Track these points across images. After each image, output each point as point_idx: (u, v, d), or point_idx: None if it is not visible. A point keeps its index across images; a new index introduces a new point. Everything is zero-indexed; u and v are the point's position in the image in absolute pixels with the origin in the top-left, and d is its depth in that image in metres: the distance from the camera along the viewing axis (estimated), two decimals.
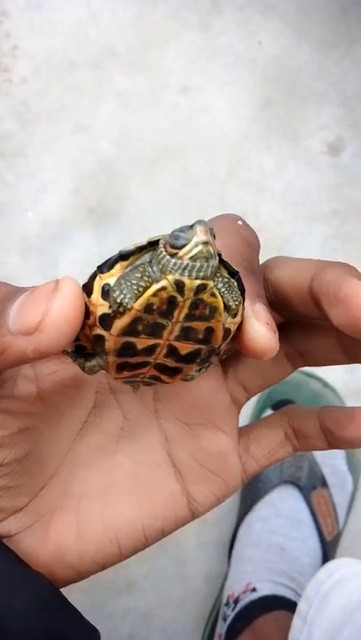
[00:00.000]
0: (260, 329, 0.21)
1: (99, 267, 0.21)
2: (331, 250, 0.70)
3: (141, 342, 0.21)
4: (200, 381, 0.26)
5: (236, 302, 0.21)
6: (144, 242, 0.20)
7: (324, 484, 0.62)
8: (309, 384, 0.66)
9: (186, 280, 0.19)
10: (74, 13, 0.77)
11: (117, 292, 0.20)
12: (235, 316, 0.21)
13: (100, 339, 0.21)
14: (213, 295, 0.20)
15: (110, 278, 0.20)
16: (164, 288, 0.19)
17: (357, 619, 0.43)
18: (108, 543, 0.26)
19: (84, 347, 0.23)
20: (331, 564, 0.49)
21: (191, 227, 0.19)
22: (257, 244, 0.25)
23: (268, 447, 0.27)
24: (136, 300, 0.20)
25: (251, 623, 0.53)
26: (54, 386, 0.25)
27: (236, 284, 0.21)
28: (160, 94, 0.75)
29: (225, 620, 0.56)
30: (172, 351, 0.22)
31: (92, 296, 0.21)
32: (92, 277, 0.21)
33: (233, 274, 0.21)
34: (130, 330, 0.20)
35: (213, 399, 0.26)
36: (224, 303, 0.21)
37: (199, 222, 0.19)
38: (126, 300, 0.20)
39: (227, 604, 0.57)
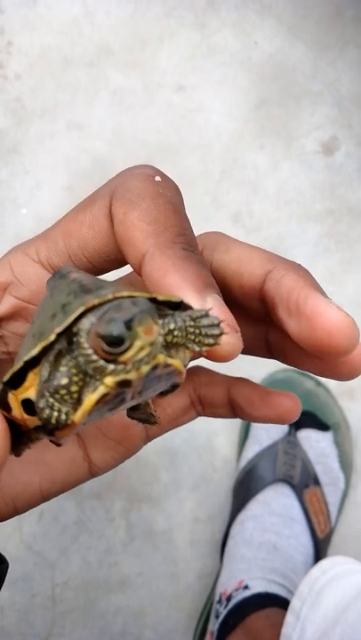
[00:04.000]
0: (223, 337, 0.18)
1: (6, 383, 0.17)
2: (324, 249, 0.71)
3: (99, 418, 0.18)
4: None
5: (197, 339, 0.17)
6: (51, 338, 0.16)
7: (316, 482, 0.62)
8: (303, 383, 0.66)
9: (132, 376, 0.16)
10: (69, 11, 0.77)
11: (47, 411, 0.16)
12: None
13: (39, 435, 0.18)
14: (168, 365, 0.17)
15: (28, 392, 0.17)
16: (106, 395, 0.16)
17: (350, 616, 0.43)
18: (4, 506, 0.26)
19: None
20: (324, 562, 0.49)
21: (128, 324, 0.15)
22: (180, 200, 0.22)
23: (173, 414, 0.27)
24: (75, 410, 0.16)
25: (243, 620, 0.54)
26: None
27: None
28: (155, 93, 0.75)
29: (217, 617, 0.56)
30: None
31: (14, 413, 0.17)
32: (3, 394, 0.17)
33: (177, 305, 0.18)
34: (79, 430, 0.17)
35: None
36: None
37: (138, 320, 0.15)
38: (63, 417, 0.16)
39: (219, 602, 0.57)
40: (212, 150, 0.74)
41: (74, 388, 0.16)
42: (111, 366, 0.15)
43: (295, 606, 0.47)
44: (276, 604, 0.54)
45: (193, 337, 0.17)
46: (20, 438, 0.19)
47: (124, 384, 0.16)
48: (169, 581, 0.65)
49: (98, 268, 0.23)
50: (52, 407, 0.16)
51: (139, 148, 0.74)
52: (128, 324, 0.15)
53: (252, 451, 0.64)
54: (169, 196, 0.21)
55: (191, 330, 0.17)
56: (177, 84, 0.75)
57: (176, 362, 0.17)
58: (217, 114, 0.74)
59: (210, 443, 0.68)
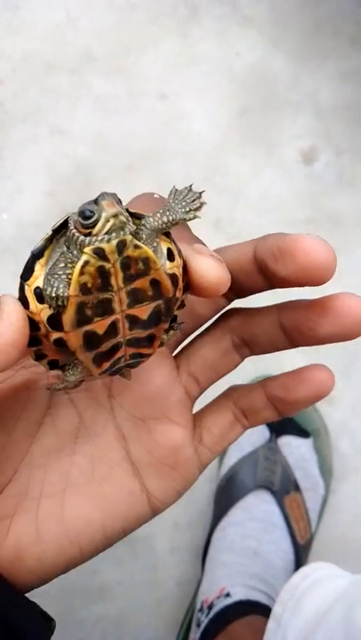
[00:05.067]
0: (206, 261, 0.21)
1: (21, 276, 0.21)
2: None
3: (99, 326, 0.21)
4: (153, 375, 0.26)
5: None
6: (49, 232, 0.20)
7: (296, 488, 0.62)
8: None
9: (104, 245, 0.19)
10: (52, 17, 0.77)
11: (49, 289, 0.20)
12: (173, 259, 0.21)
13: (61, 342, 0.21)
14: (137, 247, 0.20)
15: (37, 281, 0.20)
16: (87, 262, 0.19)
17: (331, 620, 0.43)
18: (68, 546, 0.26)
19: (56, 360, 0.23)
20: (305, 568, 0.50)
21: (95, 201, 0.19)
22: None
23: (220, 433, 0.28)
24: (69, 287, 0.20)
25: (225, 628, 0.53)
26: (6, 392, 0.25)
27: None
28: (138, 100, 0.75)
29: (199, 625, 0.56)
30: (133, 320, 0.21)
31: (31, 306, 0.21)
32: (21, 289, 0.21)
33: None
34: (81, 318, 0.20)
35: (167, 392, 0.27)
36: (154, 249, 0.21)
37: (102, 197, 0.19)
38: (61, 291, 0.20)
39: (201, 610, 0.57)
40: (195, 157, 0.74)
41: (68, 271, 0.20)
42: (87, 239, 0.19)
43: (277, 612, 0.47)
44: (258, 610, 0.54)
45: (183, 209, 0.21)
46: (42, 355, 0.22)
47: (99, 253, 0.19)
48: (149, 589, 0.64)
49: None
50: (52, 285, 0.19)
51: (121, 154, 0.74)
52: (95, 201, 0.19)
53: (233, 457, 0.64)
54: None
55: (180, 205, 0.21)
56: (160, 91, 0.75)
57: (146, 248, 0.20)
58: (200, 121, 0.75)
59: None
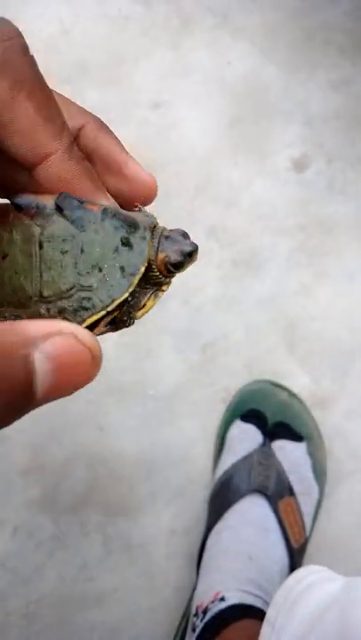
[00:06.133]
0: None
1: (110, 310, 0.22)
2: (296, 263, 0.72)
3: None
4: None
5: None
6: (142, 269, 0.22)
7: (291, 492, 0.63)
8: (277, 394, 0.67)
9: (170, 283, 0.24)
10: (45, 28, 0.78)
11: (128, 322, 0.23)
12: None
13: None
14: None
15: (116, 312, 0.23)
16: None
17: (324, 624, 0.44)
18: None
19: None
20: (299, 572, 0.50)
21: (190, 254, 0.23)
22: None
23: None
24: (137, 311, 0.24)
25: (220, 633, 0.54)
26: None
27: None
28: (131, 110, 0.76)
29: (194, 630, 0.56)
30: None
31: (95, 330, 0.23)
32: (100, 320, 0.22)
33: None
34: None
35: None
36: None
37: (196, 249, 0.23)
38: (134, 320, 0.23)
39: (196, 615, 0.57)
40: (187, 166, 0.75)
41: (141, 298, 0.23)
42: (165, 279, 0.23)
43: (271, 616, 0.47)
44: (252, 615, 0.54)
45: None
46: None
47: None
48: (145, 595, 0.64)
49: None
50: (130, 317, 0.23)
51: None
52: (190, 254, 0.23)
53: (227, 462, 0.65)
54: (42, 73, 0.22)
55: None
56: (153, 101, 0.76)
57: None
58: (192, 131, 0.76)
59: (186, 454, 0.68)
